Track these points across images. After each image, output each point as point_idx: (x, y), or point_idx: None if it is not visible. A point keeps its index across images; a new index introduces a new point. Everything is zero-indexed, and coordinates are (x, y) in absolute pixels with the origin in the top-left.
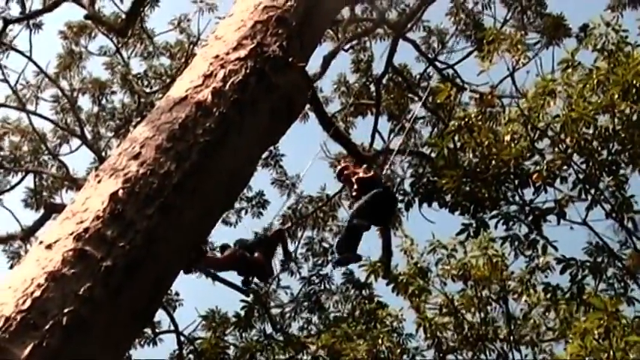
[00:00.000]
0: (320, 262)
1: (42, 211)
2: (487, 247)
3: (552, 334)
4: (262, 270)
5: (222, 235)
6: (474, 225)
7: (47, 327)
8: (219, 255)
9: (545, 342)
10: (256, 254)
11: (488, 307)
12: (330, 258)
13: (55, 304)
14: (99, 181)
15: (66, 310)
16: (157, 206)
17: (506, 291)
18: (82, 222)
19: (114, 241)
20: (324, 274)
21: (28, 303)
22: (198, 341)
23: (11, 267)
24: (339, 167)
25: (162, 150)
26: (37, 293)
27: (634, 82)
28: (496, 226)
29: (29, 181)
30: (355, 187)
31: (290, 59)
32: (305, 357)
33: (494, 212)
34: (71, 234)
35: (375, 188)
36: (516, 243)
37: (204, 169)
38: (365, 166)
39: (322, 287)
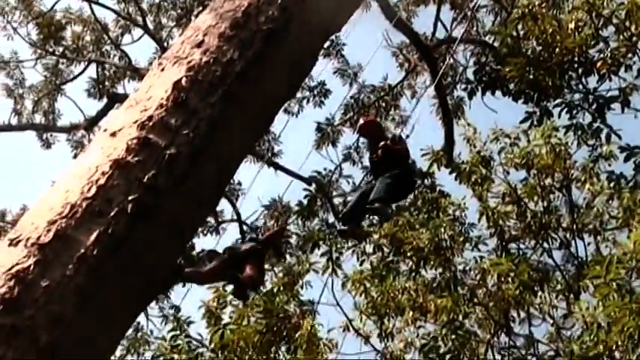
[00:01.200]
0: None
1: (105, 100)
2: (550, 136)
3: (615, 222)
4: (254, 284)
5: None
6: (538, 113)
7: (112, 214)
8: (205, 267)
9: (608, 230)
10: (247, 269)
11: (551, 196)
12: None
13: (120, 192)
14: (162, 70)
15: (131, 198)
16: (221, 94)
17: (569, 179)
18: (145, 110)
19: (177, 129)
20: None
21: (93, 190)
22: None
23: (75, 156)
24: (362, 120)
25: (226, 38)
26: (102, 181)
27: None
28: (559, 115)
29: (92, 71)
30: (379, 152)
31: None
32: (367, 246)
33: (558, 100)
34: (135, 122)
35: (399, 164)
36: (580, 132)
37: (267, 58)
38: (397, 136)
39: None
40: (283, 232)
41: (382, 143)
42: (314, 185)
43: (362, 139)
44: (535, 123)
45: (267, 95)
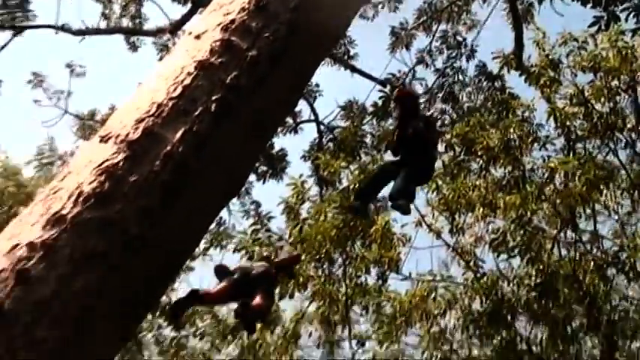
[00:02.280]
0: (454, 54)
1: (189, 5)
2: (617, 40)
3: None
4: (262, 315)
5: None
6: (605, 17)
7: (197, 113)
8: (213, 287)
9: None
10: (258, 298)
11: (617, 97)
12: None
13: (204, 92)
14: None
15: (214, 98)
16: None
17: (635, 82)
18: (228, 14)
19: (259, 32)
20: (457, 67)
21: (179, 90)
22: (337, 130)
23: (160, 59)
24: (403, 91)
25: None
26: (187, 81)
27: None
28: (627, 19)
29: None
30: (409, 131)
31: None
32: (439, 145)
33: (626, 4)
34: (218, 25)
35: (425, 150)
36: None
37: None
38: (432, 117)
39: (456, 79)
40: (299, 259)
41: (416, 127)
42: (388, 87)
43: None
44: (602, 27)
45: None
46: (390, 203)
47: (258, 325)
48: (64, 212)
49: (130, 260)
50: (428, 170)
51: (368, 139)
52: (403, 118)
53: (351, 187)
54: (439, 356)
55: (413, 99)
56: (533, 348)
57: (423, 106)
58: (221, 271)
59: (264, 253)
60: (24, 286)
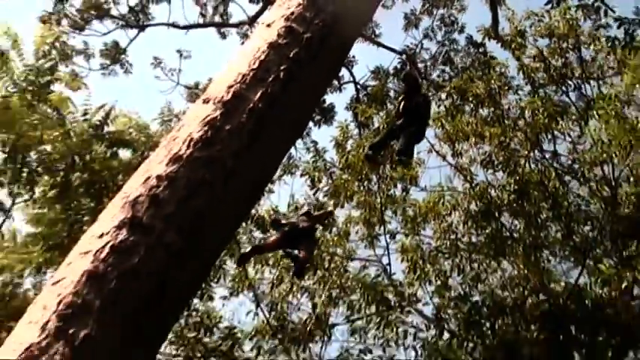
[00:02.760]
0: (449, 30)
1: (262, 3)
2: (566, 13)
3: (612, 70)
4: (305, 265)
5: None
6: None
7: (270, 79)
8: (271, 238)
9: (607, 77)
10: (302, 252)
11: (567, 55)
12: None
13: (275, 64)
14: None
15: (282, 68)
16: None
17: (579, 43)
18: (289, 7)
19: (311, 20)
20: (452, 39)
21: (257, 63)
22: (369, 88)
23: (242, 44)
24: (408, 72)
25: None
26: (262, 57)
27: None
28: None
29: None
30: (412, 103)
31: None
32: (442, 95)
33: None
34: (282, 16)
35: (421, 121)
36: (586, 9)
37: None
38: (427, 96)
39: (451, 48)
40: (331, 214)
41: (418, 101)
42: (404, 55)
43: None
44: (555, 5)
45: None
46: (396, 157)
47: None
48: (180, 153)
49: (227, 185)
50: (422, 133)
51: (391, 93)
52: (407, 94)
53: (381, 127)
54: (448, 243)
55: (415, 79)
56: (515, 235)
57: (428, 67)
58: (275, 223)
59: (306, 208)
60: (155, 206)
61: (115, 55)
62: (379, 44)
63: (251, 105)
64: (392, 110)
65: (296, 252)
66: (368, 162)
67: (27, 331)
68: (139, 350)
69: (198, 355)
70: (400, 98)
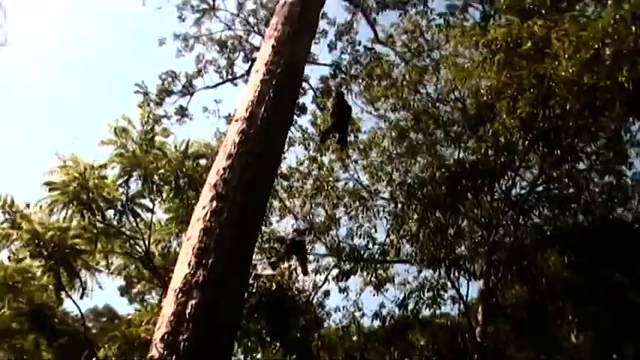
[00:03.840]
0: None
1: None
2: None
3: None
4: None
5: None
6: None
7: (267, 99)
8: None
9: None
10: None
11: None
12: None
13: (267, 89)
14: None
15: (271, 91)
16: None
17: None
18: (264, 57)
19: (278, 60)
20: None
21: (257, 92)
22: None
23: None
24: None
25: None
26: (259, 88)
27: None
28: None
29: None
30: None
31: None
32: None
33: None
34: (263, 62)
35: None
36: None
37: None
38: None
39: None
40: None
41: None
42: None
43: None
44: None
45: None
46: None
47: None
48: (231, 151)
49: (260, 161)
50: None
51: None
52: (338, 104)
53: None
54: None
55: (342, 94)
56: None
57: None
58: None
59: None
60: (225, 184)
61: (182, 112)
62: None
63: (261, 116)
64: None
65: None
66: (322, 142)
67: (181, 268)
68: (244, 259)
69: None
70: (334, 106)
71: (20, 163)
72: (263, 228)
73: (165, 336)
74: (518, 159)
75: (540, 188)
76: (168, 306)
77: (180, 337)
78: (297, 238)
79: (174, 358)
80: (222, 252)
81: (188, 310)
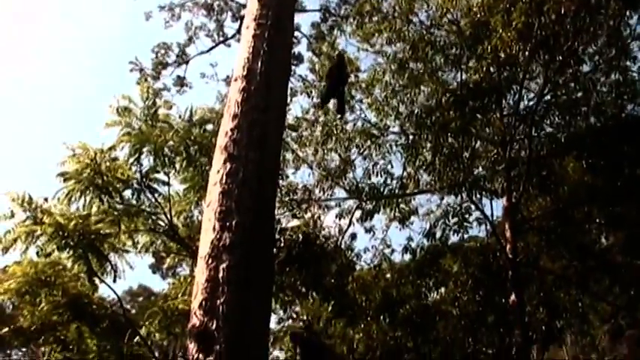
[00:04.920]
0: None
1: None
2: None
3: None
4: None
5: None
6: None
7: (262, 54)
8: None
9: None
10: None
11: None
12: None
13: (260, 45)
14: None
15: (264, 45)
16: None
17: None
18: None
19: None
20: None
21: (251, 49)
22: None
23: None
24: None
25: None
26: (252, 44)
27: None
28: None
29: None
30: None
31: None
32: None
33: None
34: (251, 18)
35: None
36: None
37: None
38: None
39: None
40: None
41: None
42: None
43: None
44: None
45: None
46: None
47: None
48: (235, 111)
49: (266, 114)
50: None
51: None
52: (337, 67)
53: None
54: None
55: (342, 58)
56: None
57: None
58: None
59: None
60: (235, 144)
61: (181, 82)
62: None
63: (259, 71)
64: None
65: None
66: (321, 107)
67: (206, 235)
68: (266, 215)
69: None
70: (332, 68)
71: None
72: (280, 182)
73: (203, 303)
74: (522, 71)
75: (548, 97)
76: (201, 273)
77: (218, 302)
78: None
79: (214, 322)
80: (243, 212)
81: (220, 274)
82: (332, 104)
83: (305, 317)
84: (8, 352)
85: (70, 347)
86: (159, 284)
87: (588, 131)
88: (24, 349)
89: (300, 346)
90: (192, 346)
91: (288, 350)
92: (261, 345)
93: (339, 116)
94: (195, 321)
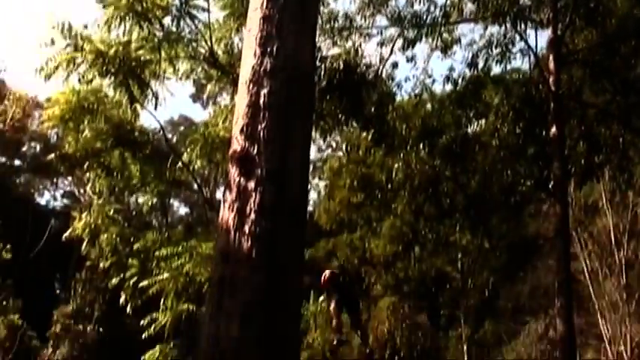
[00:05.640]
0: None
1: None
2: None
3: None
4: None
5: None
6: None
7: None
8: None
9: None
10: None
11: None
12: None
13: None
14: None
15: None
16: None
17: None
18: None
19: None
20: None
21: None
22: None
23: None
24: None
25: None
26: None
27: None
28: None
29: None
30: None
31: None
32: None
33: None
34: None
35: None
36: None
37: None
38: None
39: None
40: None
41: None
42: None
43: None
44: None
45: None
46: None
47: None
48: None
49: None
50: None
51: None
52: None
53: None
54: None
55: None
56: None
57: None
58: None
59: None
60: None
61: None
62: None
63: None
64: None
65: None
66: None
67: (247, 61)
68: (307, 40)
69: None
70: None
71: None
72: (321, 9)
73: (244, 128)
74: None
75: None
76: (241, 99)
77: (259, 127)
78: None
79: (255, 147)
80: (285, 37)
81: (262, 100)
82: None
83: (344, 146)
84: (55, 180)
85: (114, 173)
86: (200, 114)
87: None
88: (69, 178)
89: (337, 291)
90: (233, 171)
91: (327, 179)
92: (301, 173)
93: None
94: (236, 146)
